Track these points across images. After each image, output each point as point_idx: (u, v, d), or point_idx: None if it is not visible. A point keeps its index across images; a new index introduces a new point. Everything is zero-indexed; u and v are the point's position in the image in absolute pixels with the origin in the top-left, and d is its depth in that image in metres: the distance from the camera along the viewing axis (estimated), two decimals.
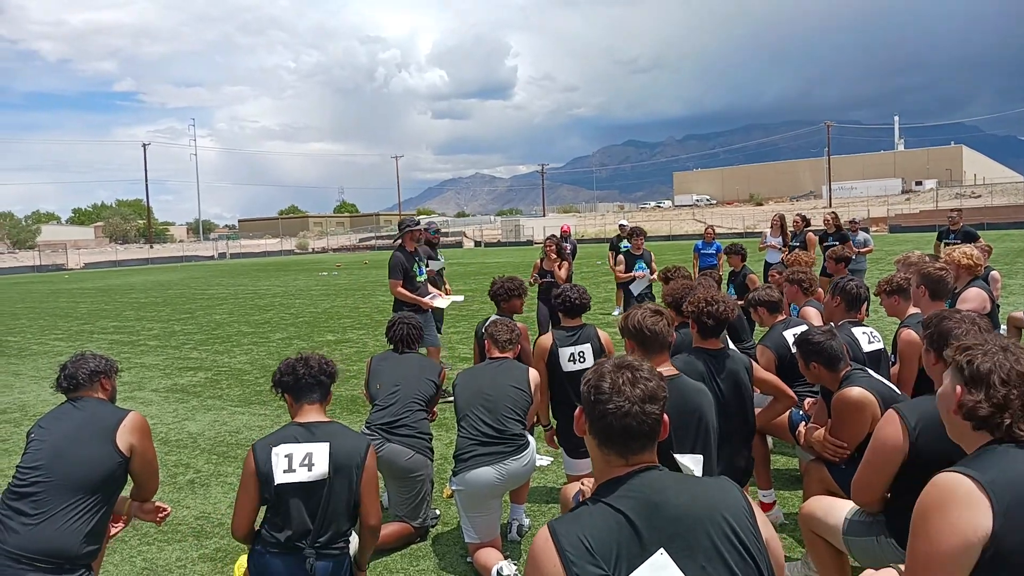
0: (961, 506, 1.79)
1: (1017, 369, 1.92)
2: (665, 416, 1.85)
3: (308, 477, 3.06)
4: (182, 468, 5.89)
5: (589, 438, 1.86)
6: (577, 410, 1.92)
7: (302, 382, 3.27)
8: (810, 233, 11.40)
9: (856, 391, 3.32)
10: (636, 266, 10.86)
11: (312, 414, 3.24)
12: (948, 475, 1.86)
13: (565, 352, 4.65)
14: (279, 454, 3.09)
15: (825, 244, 11.09)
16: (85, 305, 22.22)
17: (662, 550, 1.68)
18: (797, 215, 12.09)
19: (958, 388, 1.97)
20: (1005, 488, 1.79)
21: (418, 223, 7.96)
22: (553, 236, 10.38)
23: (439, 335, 7.90)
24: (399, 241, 7.73)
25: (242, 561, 3.60)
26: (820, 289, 6.19)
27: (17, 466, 3.18)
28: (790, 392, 4.10)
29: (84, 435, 3.17)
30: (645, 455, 1.83)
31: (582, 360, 4.63)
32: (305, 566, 3.03)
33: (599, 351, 4.71)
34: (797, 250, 9.54)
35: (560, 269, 9.63)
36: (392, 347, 4.86)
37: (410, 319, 4.94)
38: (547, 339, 4.74)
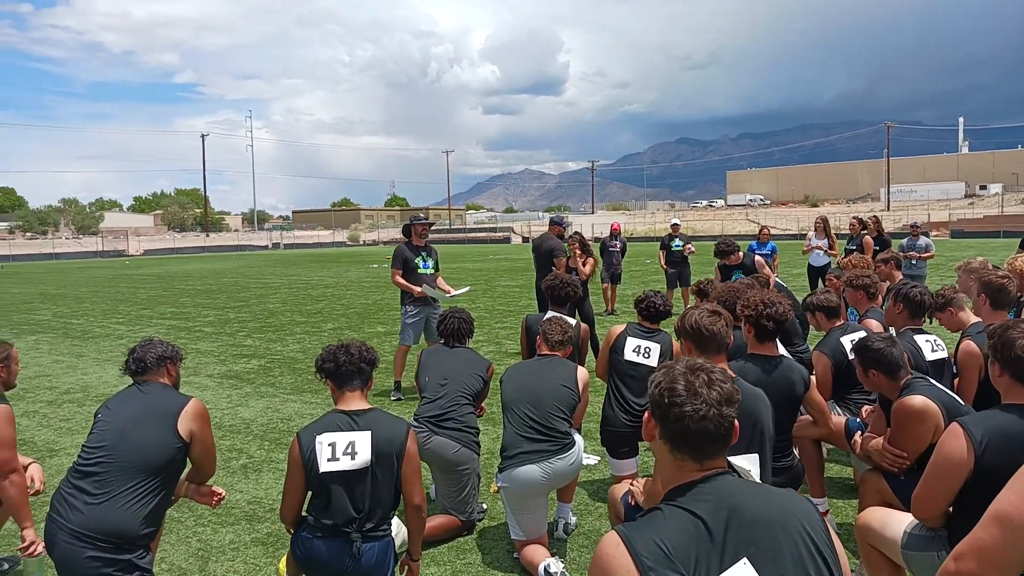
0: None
1: None
2: (736, 420, 1.79)
3: (352, 466, 3.10)
4: (235, 453, 6.02)
5: (659, 443, 1.79)
6: (646, 415, 1.85)
7: (343, 369, 3.30)
8: (868, 237, 11.13)
9: (919, 400, 3.22)
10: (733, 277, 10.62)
11: (354, 401, 3.27)
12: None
13: (632, 342, 4.72)
14: (323, 443, 3.13)
15: (847, 248, 10.89)
16: (144, 291, 22.89)
17: (745, 559, 1.60)
18: (854, 218, 11.82)
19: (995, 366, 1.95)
20: None
21: (424, 218, 8.20)
22: (577, 233, 10.54)
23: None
24: (406, 235, 8.04)
25: (281, 567, 3.68)
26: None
27: (83, 445, 3.30)
28: (831, 422, 4.05)
29: (147, 419, 3.27)
30: (719, 460, 1.77)
31: (646, 356, 4.66)
32: (352, 550, 3.07)
33: (666, 355, 4.71)
34: (855, 253, 9.33)
35: (585, 266, 9.73)
36: (443, 341, 4.90)
37: (462, 313, 4.99)
38: (619, 327, 4.87)
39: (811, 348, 6.30)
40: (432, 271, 7.97)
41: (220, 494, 3.69)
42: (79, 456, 3.26)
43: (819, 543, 1.68)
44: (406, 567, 3.27)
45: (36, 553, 3.44)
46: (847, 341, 4.57)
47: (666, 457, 1.79)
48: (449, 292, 8.04)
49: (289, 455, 3.25)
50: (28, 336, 13.07)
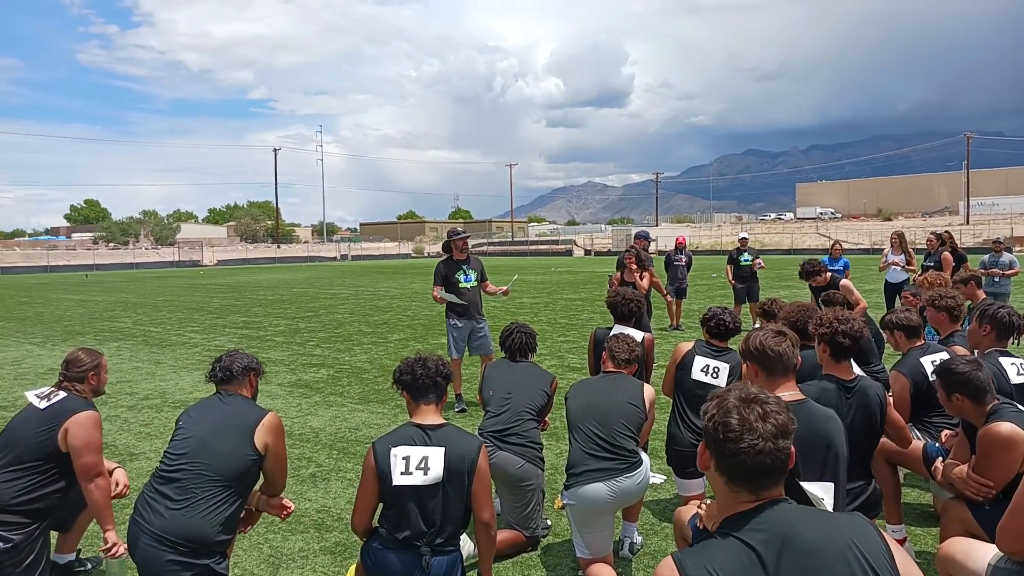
0: None
1: None
2: (792, 447, 1.77)
3: (424, 481, 3.13)
4: (304, 462, 6.16)
5: (715, 474, 1.78)
6: (700, 446, 1.85)
7: (419, 383, 3.34)
8: (947, 253, 10.72)
9: (1007, 427, 3.09)
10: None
11: (428, 415, 3.31)
12: None
13: (700, 361, 4.63)
14: (397, 455, 3.17)
15: (923, 264, 10.47)
16: (217, 300, 23.65)
17: None
18: (931, 233, 11.40)
19: None
20: None
21: (462, 232, 8.25)
22: (633, 247, 10.32)
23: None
24: (447, 251, 8.13)
25: (351, 572, 3.74)
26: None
27: (165, 451, 3.43)
28: (909, 439, 3.93)
29: (227, 429, 3.38)
30: (775, 490, 1.76)
31: (715, 376, 4.57)
32: (421, 563, 3.10)
33: (736, 376, 4.62)
34: (931, 271, 9.00)
35: (642, 280, 9.48)
36: (507, 355, 4.93)
37: (525, 328, 5.01)
38: (687, 345, 4.82)
39: (886, 368, 6.10)
40: (475, 283, 8.04)
41: (290, 508, 3.77)
42: (162, 462, 3.39)
43: (877, 568, 1.65)
44: None
45: (118, 555, 3.58)
46: (927, 362, 4.41)
47: (721, 488, 1.78)
48: (496, 290, 8.26)
49: (364, 464, 3.30)
50: (111, 343, 13.64)
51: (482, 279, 8.14)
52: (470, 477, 3.16)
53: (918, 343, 4.67)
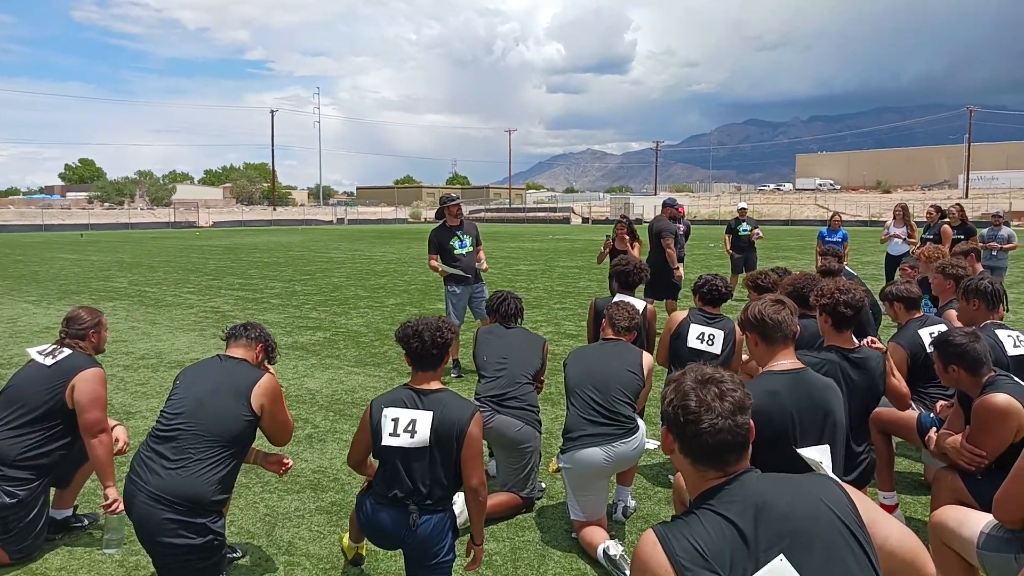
0: None
1: None
2: (751, 422, 1.81)
3: (410, 443, 3.13)
4: (300, 423, 6.18)
5: (680, 456, 1.82)
6: (663, 430, 1.88)
7: (415, 354, 3.28)
8: (946, 226, 10.69)
9: (1002, 398, 3.10)
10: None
11: (425, 381, 3.27)
12: None
13: (696, 329, 4.72)
14: (387, 416, 3.19)
15: (923, 237, 10.45)
16: (213, 262, 23.59)
17: (782, 556, 1.63)
18: (932, 206, 11.37)
19: None
20: None
21: (455, 199, 8.08)
22: (624, 217, 10.57)
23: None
24: (440, 218, 8.00)
25: (345, 540, 3.78)
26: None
27: (161, 411, 3.43)
28: (909, 401, 3.95)
29: (223, 390, 3.39)
30: (741, 463, 1.79)
31: (710, 343, 4.65)
32: (409, 521, 3.12)
33: (730, 343, 4.68)
34: (929, 243, 8.99)
35: (633, 249, 9.75)
36: (499, 321, 4.96)
37: (515, 295, 5.07)
38: (681, 314, 4.88)
39: (883, 340, 6.11)
40: (471, 248, 7.96)
41: (288, 463, 3.80)
42: (158, 422, 3.39)
43: (849, 524, 1.71)
44: (471, 552, 3.30)
45: (117, 511, 3.61)
46: (925, 334, 4.43)
47: (688, 469, 1.81)
48: (481, 260, 8.16)
49: (362, 418, 3.34)
50: (106, 302, 13.62)
51: (477, 244, 8.05)
52: (459, 443, 3.15)
53: (917, 315, 4.68)
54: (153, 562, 3.32)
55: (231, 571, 3.68)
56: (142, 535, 3.21)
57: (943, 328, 4.50)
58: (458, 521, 3.39)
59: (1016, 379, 3.37)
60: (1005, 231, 11.34)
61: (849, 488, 1.83)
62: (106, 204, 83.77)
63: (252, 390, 3.41)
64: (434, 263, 7.87)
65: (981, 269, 6.77)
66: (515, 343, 4.75)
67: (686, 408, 1.77)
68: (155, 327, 11.02)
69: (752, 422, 1.80)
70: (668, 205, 10.99)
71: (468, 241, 7.96)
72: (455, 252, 7.85)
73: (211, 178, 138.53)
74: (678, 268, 10.35)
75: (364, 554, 3.79)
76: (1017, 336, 4.20)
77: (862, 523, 1.73)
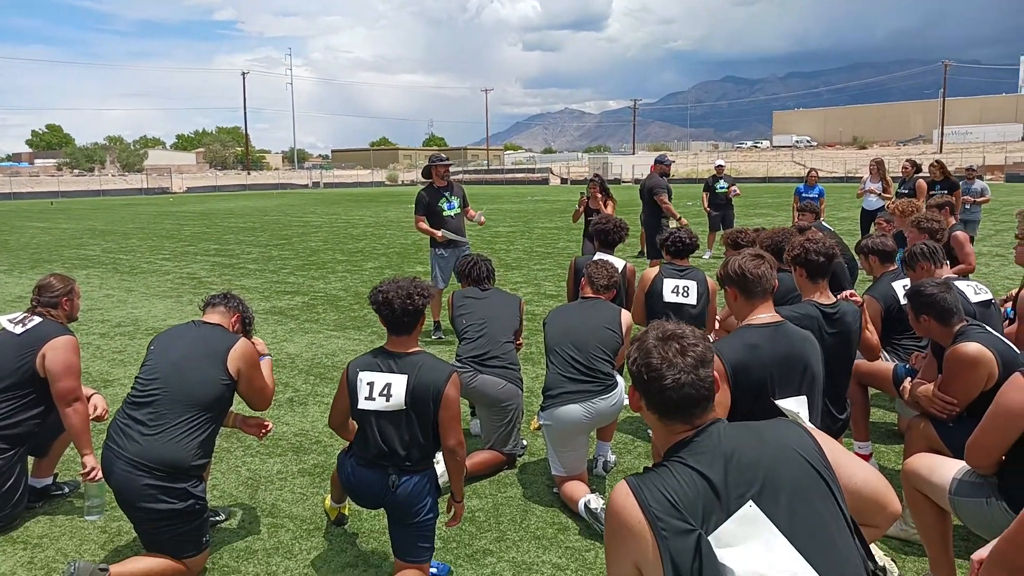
0: None
1: None
2: (715, 374, 1.85)
3: (385, 407, 3.11)
4: (281, 387, 6.16)
5: (648, 413, 1.86)
6: (630, 389, 1.91)
7: (387, 320, 3.22)
8: (921, 180, 10.76)
9: (973, 347, 3.15)
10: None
11: (400, 344, 3.22)
12: None
13: (670, 283, 4.78)
14: (363, 380, 3.16)
15: (931, 193, 10.47)
16: (188, 228, 23.28)
17: (751, 502, 1.67)
18: (907, 160, 11.42)
19: None
20: None
21: (444, 159, 7.93)
22: (597, 175, 10.71)
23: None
24: (427, 178, 7.81)
25: (327, 502, 3.81)
26: None
27: (137, 376, 3.40)
28: (879, 353, 4.04)
29: (199, 354, 3.36)
30: (707, 415, 1.83)
31: (685, 295, 4.72)
32: (387, 481, 3.13)
33: (704, 293, 4.74)
34: (904, 198, 9.05)
35: (607, 207, 9.92)
36: (473, 284, 4.96)
37: (483, 257, 5.09)
38: (653, 271, 4.92)
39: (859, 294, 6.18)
40: (458, 210, 7.82)
41: (267, 427, 3.79)
42: (133, 388, 3.36)
43: (816, 466, 1.75)
44: (452, 509, 3.33)
45: (96, 479, 3.59)
46: (899, 287, 4.48)
47: (657, 424, 1.85)
48: (475, 215, 8.09)
49: (340, 380, 3.33)
50: (79, 270, 13.42)
51: (464, 204, 7.93)
52: (436, 405, 3.12)
53: (891, 268, 4.73)
54: (135, 528, 3.33)
55: (214, 534, 3.69)
56: (122, 502, 3.20)
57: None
58: (440, 480, 3.41)
59: (989, 329, 3.42)
60: (978, 184, 11.44)
61: (815, 431, 1.87)
62: (76, 171, 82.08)
63: (228, 354, 3.38)
64: (423, 225, 7.70)
65: (954, 222, 6.84)
66: (493, 304, 4.76)
67: (649, 366, 1.81)
68: (131, 294, 10.89)
69: (716, 375, 1.84)
70: (659, 162, 11.26)
71: (456, 202, 7.79)
72: (444, 214, 7.65)
73: (183, 143, 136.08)
74: (681, 218, 10.38)
75: (347, 514, 3.81)
76: (976, 285, 4.27)
77: (829, 465, 1.78)
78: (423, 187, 7.84)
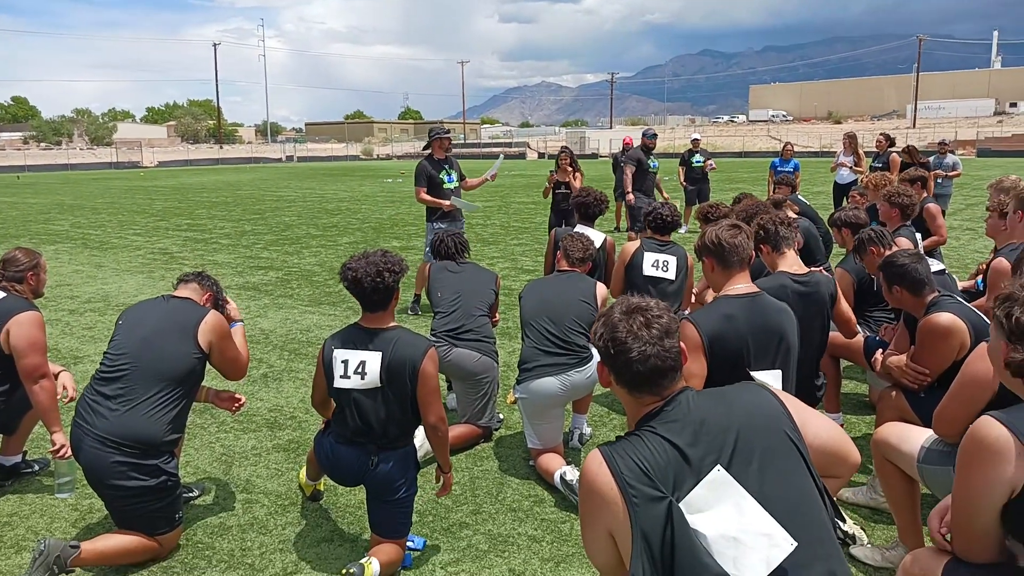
0: (1000, 462, 1.84)
1: None
2: (682, 345, 1.88)
3: (360, 385, 3.08)
4: (255, 363, 6.10)
5: (617, 387, 1.88)
6: (598, 365, 1.93)
7: (360, 295, 3.13)
8: (895, 154, 10.84)
9: (946, 317, 3.18)
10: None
11: (375, 320, 3.17)
12: (991, 425, 1.88)
13: (650, 257, 4.79)
14: (337, 358, 3.12)
15: (872, 165, 10.66)
16: (160, 202, 22.91)
17: (719, 466, 1.70)
18: (881, 134, 11.49)
19: (1002, 343, 1.95)
20: None
21: (447, 131, 7.80)
22: (567, 148, 10.87)
23: None
24: (427, 149, 7.69)
25: (301, 476, 3.80)
26: None
27: (105, 352, 3.34)
28: (856, 329, 4.06)
29: (169, 328, 3.30)
30: (675, 385, 1.85)
31: (665, 269, 4.74)
32: (369, 461, 3.12)
33: (683, 268, 4.76)
34: (878, 171, 9.12)
35: (575, 180, 10.12)
36: (447, 259, 4.94)
37: (454, 234, 5.07)
38: (634, 244, 4.93)
39: (832, 266, 6.23)
40: (457, 184, 7.69)
41: (240, 401, 3.75)
42: (102, 363, 3.30)
43: (784, 427, 1.80)
44: (440, 479, 3.32)
45: (65, 456, 3.53)
46: None
47: (627, 398, 1.88)
48: (480, 180, 8.02)
49: (318, 357, 3.27)
50: (48, 246, 13.17)
51: (461, 178, 7.80)
52: (413, 381, 3.07)
53: None
54: (106, 505, 3.28)
55: (188, 510, 3.66)
56: (92, 479, 3.15)
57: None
58: (419, 452, 3.40)
59: (962, 300, 3.46)
60: (950, 159, 11.55)
61: (782, 394, 1.91)
62: (43, 144, 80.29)
63: (198, 327, 3.32)
64: (426, 195, 7.48)
65: (925, 195, 6.89)
66: (469, 279, 4.75)
67: (615, 339, 1.83)
68: (100, 270, 10.71)
69: (683, 346, 1.87)
70: (643, 136, 11.67)
71: (455, 176, 7.64)
72: (444, 186, 7.49)
73: (154, 116, 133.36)
74: (628, 193, 10.94)
75: (322, 490, 3.80)
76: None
77: (796, 428, 1.82)
78: (424, 159, 7.65)
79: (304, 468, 3.79)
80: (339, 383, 3.11)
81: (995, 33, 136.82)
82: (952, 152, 12.08)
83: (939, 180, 11.29)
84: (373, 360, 3.08)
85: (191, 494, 3.80)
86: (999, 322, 1.95)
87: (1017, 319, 1.90)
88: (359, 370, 3.08)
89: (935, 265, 4.25)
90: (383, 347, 3.09)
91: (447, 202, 7.46)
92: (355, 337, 3.15)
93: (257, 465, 4.24)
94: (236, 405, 3.74)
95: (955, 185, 12.90)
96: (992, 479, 1.87)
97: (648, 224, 5.06)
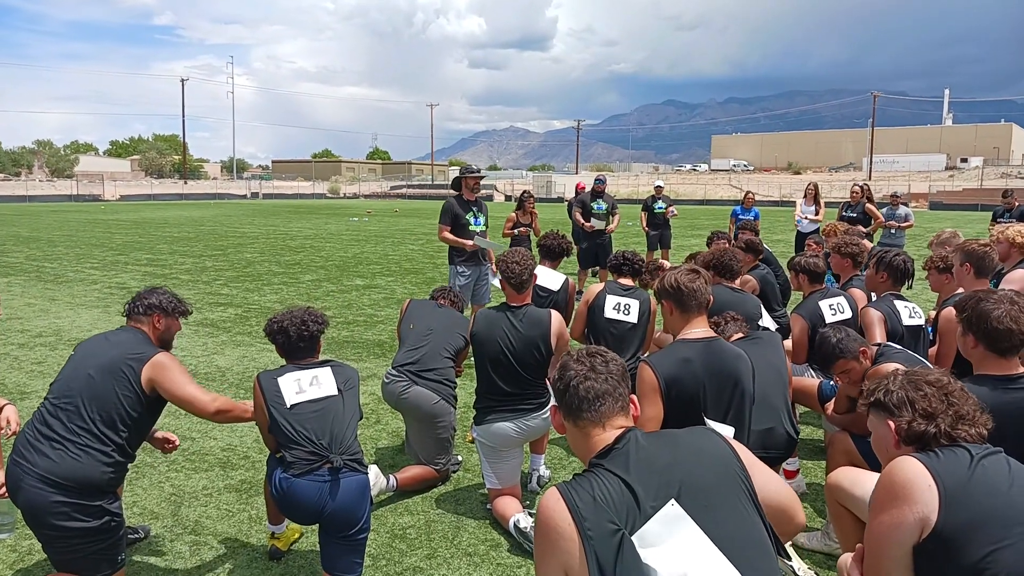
0: (907, 502, 1.91)
1: (926, 380, 2.08)
2: (632, 397, 1.98)
3: (319, 394, 3.25)
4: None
5: (569, 425, 1.96)
6: (551, 409, 2.03)
7: (292, 340, 3.40)
8: (870, 205, 11.11)
9: (891, 367, 3.25)
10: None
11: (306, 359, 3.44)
12: (905, 464, 1.96)
13: (612, 300, 4.82)
14: (287, 381, 3.25)
15: (844, 215, 10.95)
16: (120, 236, 22.55)
17: (672, 501, 1.74)
18: (857, 185, 11.70)
19: (888, 422, 2.07)
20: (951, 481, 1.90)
21: (477, 170, 7.44)
22: (527, 192, 11.24)
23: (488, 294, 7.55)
24: (456, 189, 7.38)
25: (270, 534, 3.67)
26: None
27: (50, 386, 3.22)
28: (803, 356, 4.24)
29: (112, 368, 3.16)
30: (618, 419, 1.92)
31: (626, 312, 4.74)
32: (327, 488, 3.06)
33: (645, 313, 4.77)
34: (836, 222, 9.34)
35: (535, 221, 10.54)
36: (432, 298, 4.96)
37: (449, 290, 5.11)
38: (598, 286, 4.95)
39: (788, 314, 6.33)
40: (483, 227, 7.33)
41: (173, 443, 3.61)
42: (45, 399, 3.18)
43: (732, 467, 1.86)
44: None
45: (5, 496, 3.39)
46: (826, 306, 4.62)
47: (577, 434, 1.95)
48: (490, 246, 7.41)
49: (253, 396, 3.32)
50: (0, 278, 12.85)
51: (487, 225, 7.45)
52: (357, 393, 3.37)
53: (819, 288, 4.87)
54: (43, 548, 3.13)
55: (132, 553, 3.54)
56: (31, 520, 3.00)
57: (842, 300, 4.70)
58: (372, 491, 3.37)
59: (906, 349, 3.55)
60: (903, 210, 11.88)
61: (730, 440, 1.97)
62: (1, 175, 78.78)
63: (142, 368, 3.18)
64: (449, 235, 7.13)
65: (871, 246, 7.09)
66: (443, 320, 4.71)
67: (563, 372, 1.97)
68: (54, 304, 10.46)
69: (633, 398, 1.97)
70: (595, 181, 12.22)
71: (482, 219, 7.31)
72: (470, 228, 7.15)
73: (117, 149, 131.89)
74: (584, 224, 11.61)
75: (283, 549, 3.63)
76: (913, 308, 4.41)
77: (744, 467, 1.87)
78: (452, 198, 7.32)
79: (266, 515, 3.67)
80: (296, 399, 3.21)
81: (946, 91, 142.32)
82: (905, 204, 12.44)
83: (892, 231, 11.60)
84: (324, 374, 3.32)
85: (136, 535, 3.68)
86: (879, 403, 2.11)
87: (893, 392, 2.08)
88: (313, 383, 3.27)
89: (915, 319, 4.35)
90: (326, 364, 3.39)
91: (470, 242, 7.13)
92: (293, 367, 3.36)
93: (208, 506, 4.13)
94: (169, 446, 3.60)
95: (908, 236, 13.26)
96: (898, 519, 1.91)
97: (615, 268, 5.10)
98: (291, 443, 3.15)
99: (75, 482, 2.96)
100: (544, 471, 4.47)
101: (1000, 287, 4.77)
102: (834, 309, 4.67)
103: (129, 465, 3.24)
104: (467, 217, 7.17)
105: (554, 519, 1.75)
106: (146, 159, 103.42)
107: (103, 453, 3.04)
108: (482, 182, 7.57)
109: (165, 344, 3.42)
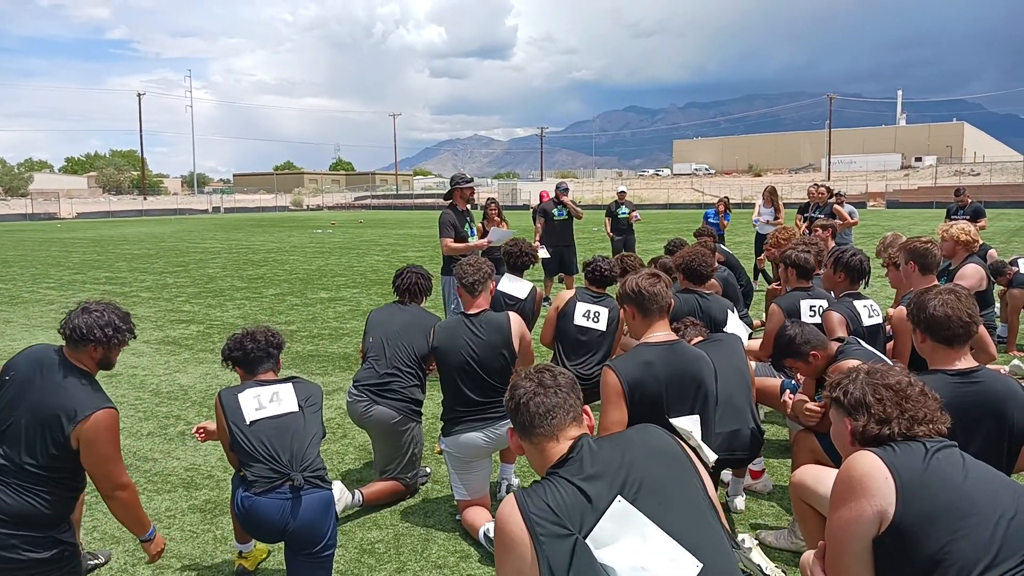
0: (864, 495, 1.94)
1: (884, 383, 2.11)
2: (586, 408, 2.05)
3: (279, 410, 3.23)
4: (172, 420, 5.88)
5: (525, 444, 2.02)
6: (508, 431, 2.09)
7: (251, 356, 3.43)
8: (837, 206, 11.25)
9: (851, 363, 3.30)
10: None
11: (266, 375, 3.45)
12: (863, 458, 2.00)
13: (582, 307, 4.83)
14: (247, 397, 3.24)
15: (809, 216, 11.05)
16: (77, 255, 22.08)
17: (619, 497, 1.80)
18: (823, 186, 11.86)
19: (846, 421, 2.13)
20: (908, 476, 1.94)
21: (469, 180, 7.37)
22: (492, 199, 11.07)
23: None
24: (449, 199, 7.25)
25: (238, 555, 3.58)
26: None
27: None
28: (765, 354, 4.31)
29: (44, 418, 2.91)
30: (571, 429, 1.97)
31: (596, 320, 4.77)
32: (289, 506, 3.02)
33: (614, 320, 4.78)
34: (820, 221, 9.35)
35: (503, 229, 10.25)
36: (397, 298, 4.73)
37: (419, 269, 4.77)
38: (568, 293, 4.97)
39: (749, 315, 6.40)
40: (474, 235, 7.32)
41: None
42: None
43: (679, 457, 1.95)
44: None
45: None
46: (805, 306, 4.64)
47: (533, 451, 2.01)
48: (484, 242, 7.36)
49: (216, 415, 3.31)
50: None
51: (473, 232, 7.35)
52: (319, 410, 3.37)
53: (805, 285, 4.84)
54: None
55: None
56: None
57: (824, 304, 4.66)
58: (337, 507, 3.34)
59: (866, 345, 3.61)
60: (846, 208, 12.10)
61: (678, 440, 2.04)
62: None
63: (73, 430, 2.89)
64: (455, 244, 6.93)
65: (833, 245, 7.16)
66: (405, 323, 4.45)
67: (513, 389, 2.03)
68: (8, 325, 10.20)
69: (586, 408, 2.04)
70: (560, 190, 12.08)
71: (473, 228, 7.32)
72: (468, 240, 7.11)
73: (73, 166, 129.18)
74: (535, 245, 10.87)
75: (251, 569, 3.56)
76: (872, 307, 4.46)
77: (692, 460, 1.96)
78: (447, 208, 7.17)
79: (233, 534, 3.60)
80: (256, 415, 3.19)
81: (899, 92, 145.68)
82: (850, 203, 12.65)
83: (837, 230, 11.81)
84: (285, 390, 3.31)
85: (96, 561, 3.59)
86: (838, 402, 2.16)
87: (851, 393, 2.13)
88: (273, 399, 3.26)
89: (874, 319, 4.38)
90: (287, 381, 3.37)
91: (485, 240, 7.09)
92: (254, 383, 3.35)
93: (171, 527, 4.04)
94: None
95: (865, 235, 13.50)
96: (857, 513, 1.95)
97: (586, 275, 5.10)
98: (251, 460, 3.10)
99: (18, 517, 2.83)
100: (514, 480, 4.45)
101: (955, 283, 4.87)
102: (813, 311, 4.63)
103: (83, 494, 3.14)
104: (464, 229, 7.13)
105: (508, 525, 1.80)
106: (103, 175, 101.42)
107: (44, 491, 2.88)
108: (434, 191, 7.60)
109: (106, 366, 3.20)
